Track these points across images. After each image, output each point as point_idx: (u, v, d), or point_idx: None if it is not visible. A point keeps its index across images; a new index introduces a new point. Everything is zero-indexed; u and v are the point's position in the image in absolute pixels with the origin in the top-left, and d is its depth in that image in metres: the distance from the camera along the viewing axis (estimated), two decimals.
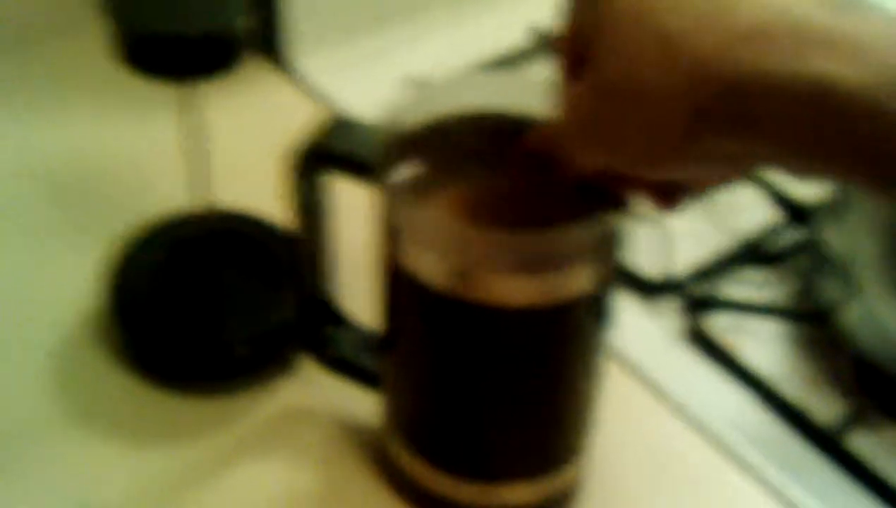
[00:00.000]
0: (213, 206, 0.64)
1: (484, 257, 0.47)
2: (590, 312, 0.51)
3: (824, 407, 0.67)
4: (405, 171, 0.50)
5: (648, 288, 0.71)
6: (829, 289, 0.70)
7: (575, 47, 0.43)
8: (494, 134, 0.50)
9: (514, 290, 0.47)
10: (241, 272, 0.67)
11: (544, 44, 0.87)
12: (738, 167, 0.43)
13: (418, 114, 0.51)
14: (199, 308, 0.66)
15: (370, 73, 0.83)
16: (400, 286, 0.51)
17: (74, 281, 0.68)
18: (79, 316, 0.67)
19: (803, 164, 0.39)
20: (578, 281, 0.48)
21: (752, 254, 0.75)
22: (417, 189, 0.50)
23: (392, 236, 0.49)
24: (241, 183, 0.68)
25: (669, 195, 0.45)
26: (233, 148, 0.64)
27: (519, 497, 0.57)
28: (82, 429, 0.62)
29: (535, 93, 0.48)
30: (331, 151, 0.51)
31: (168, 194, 0.70)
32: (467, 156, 0.51)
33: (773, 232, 0.76)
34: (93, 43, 0.65)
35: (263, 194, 0.68)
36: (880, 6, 0.37)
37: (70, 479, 0.59)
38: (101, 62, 0.60)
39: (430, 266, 0.48)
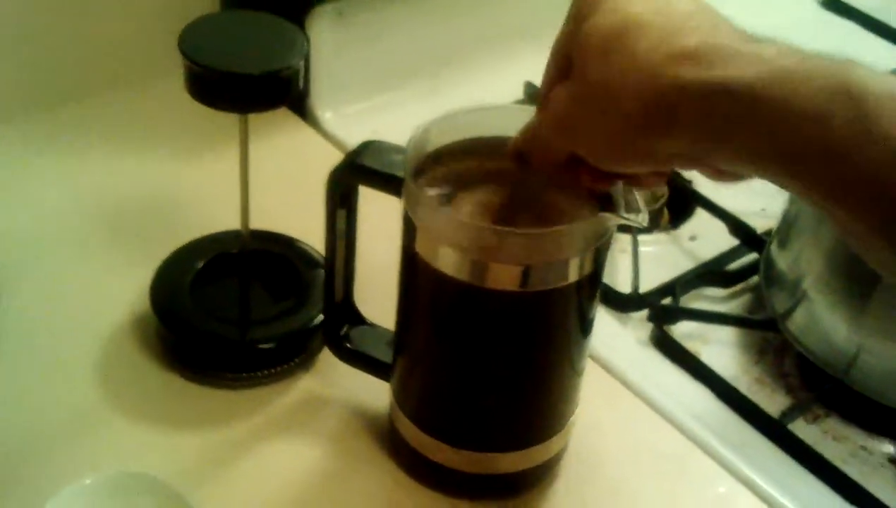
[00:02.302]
0: (247, 227, 0.70)
1: (493, 249, 0.55)
2: (579, 299, 0.59)
3: (772, 401, 0.75)
4: (428, 182, 0.58)
5: (622, 302, 0.80)
6: (777, 301, 0.78)
7: (559, 61, 0.52)
8: (501, 154, 0.57)
9: (517, 278, 0.55)
10: (268, 283, 0.74)
11: (537, 96, 0.96)
12: (677, 165, 0.51)
13: (439, 138, 0.59)
14: (231, 311, 0.73)
15: (381, 124, 0.89)
16: (417, 276, 0.59)
17: (128, 288, 0.75)
18: (128, 317, 0.74)
19: (725, 158, 0.47)
20: (572, 270, 0.56)
21: (711, 274, 0.84)
22: (439, 195, 0.58)
23: (414, 232, 0.57)
24: (272, 208, 0.74)
25: (608, 179, 0.54)
26: (265, 179, 0.71)
27: (510, 465, 0.64)
28: (125, 414, 0.68)
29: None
30: (364, 166, 0.59)
31: (213, 216, 0.77)
32: (479, 171, 0.59)
33: (729, 255, 0.85)
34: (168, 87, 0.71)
35: (289, 219, 0.77)
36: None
37: (113, 458, 0.66)
38: (173, 104, 0.67)
39: (446, 257, 0.56)
